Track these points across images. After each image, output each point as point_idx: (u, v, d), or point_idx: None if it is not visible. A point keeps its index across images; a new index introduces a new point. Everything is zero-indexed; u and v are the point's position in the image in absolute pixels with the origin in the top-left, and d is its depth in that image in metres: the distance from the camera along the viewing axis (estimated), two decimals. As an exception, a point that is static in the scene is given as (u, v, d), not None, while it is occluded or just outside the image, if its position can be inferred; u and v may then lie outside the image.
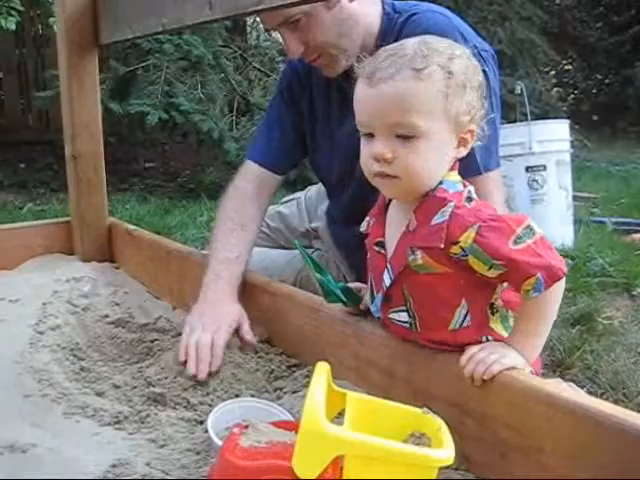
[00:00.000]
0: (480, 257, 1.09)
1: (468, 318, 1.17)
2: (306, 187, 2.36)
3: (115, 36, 2.18)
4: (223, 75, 5.40)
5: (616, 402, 1.72)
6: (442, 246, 1.11)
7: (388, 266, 1.21)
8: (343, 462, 0.91)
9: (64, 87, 2.32)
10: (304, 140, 1.91)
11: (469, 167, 1.59)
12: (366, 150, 1.18)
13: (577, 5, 11.80)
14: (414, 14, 1.64)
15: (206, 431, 1.17)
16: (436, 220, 1.13)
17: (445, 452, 0.90)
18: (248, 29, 7.33)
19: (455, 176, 1.20)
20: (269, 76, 5.81)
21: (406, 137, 1.12)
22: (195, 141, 5.18)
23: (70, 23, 2.23)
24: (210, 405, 1.31)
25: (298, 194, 2.33)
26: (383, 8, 1.70)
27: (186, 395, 1.36)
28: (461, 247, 1.10)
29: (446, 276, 1.15)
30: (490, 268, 1.10)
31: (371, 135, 1.17)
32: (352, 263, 2.05)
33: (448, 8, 1.76)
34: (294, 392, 1.37)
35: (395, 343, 1.29)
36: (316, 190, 2.22)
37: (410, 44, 1.17)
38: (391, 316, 1.24)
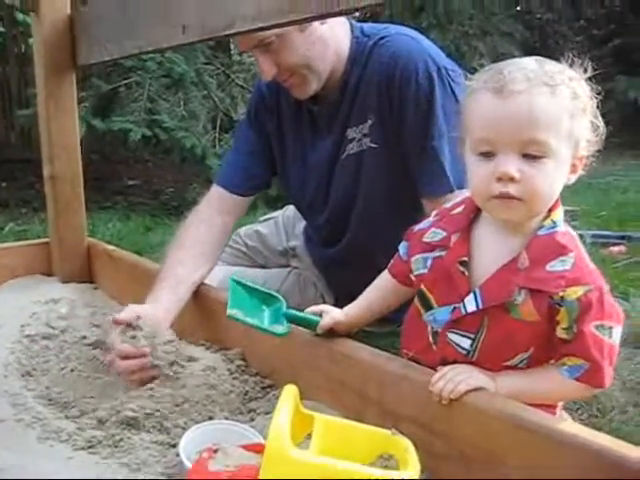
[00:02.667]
0: (570, 314, 1.09)
1: (525, 362, 1.16)
2: (285, 205, 2.38)
3: (92, 57, 2.18)
4: (206, 92, 5.42)
5: (590, 417, 1.74)
6: (561, 294, 1.08)
7: (477, 292, 1.15)
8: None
9: (42, 108, 2.32)
10: (272, 163, 1.93)
11: (442, 185, 1.62)
12: (485, 170, 1.10)
13: (558, 19, 11.93)
14: (383, 37, 1.67)
15: (178, 454, 1.18)
16: (555, 267, 1.10)
17: (408, 474, 0.91)
18: (232, 46, 7.36)
19: (561, 215, 1.15)
20: (252, 92, 5.82)
21: (534, 157, 1.06)
22: (178, 158, 5.17)
23: (47, 45, 2.24)
24: (183, 428, 1.31)
25: (276, 213, 2.35)
26: (352, 32, 1.73)
27: (160, 418, 1.36)
28: (562, 297, 1.08)
29: (532, 325, 1.12)
30: (566, 329, 1.10)
31: (490, 154, 1.09)
32: (330, 282, 2.07)
33: (426, 28, 1.79)
34: (267, 413, 1.37)
35: (367, 366, 1.30)
36: (294, 209, 2.24)
37: (531, 62, 1.11)
38: (451, 336, 1.19)
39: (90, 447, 1.29)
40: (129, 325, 1.55)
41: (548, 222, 1.13)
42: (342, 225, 1.85)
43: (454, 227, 1.22)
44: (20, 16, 4.90)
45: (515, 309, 1.12)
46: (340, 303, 1.92)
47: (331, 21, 1.67)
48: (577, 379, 1.11)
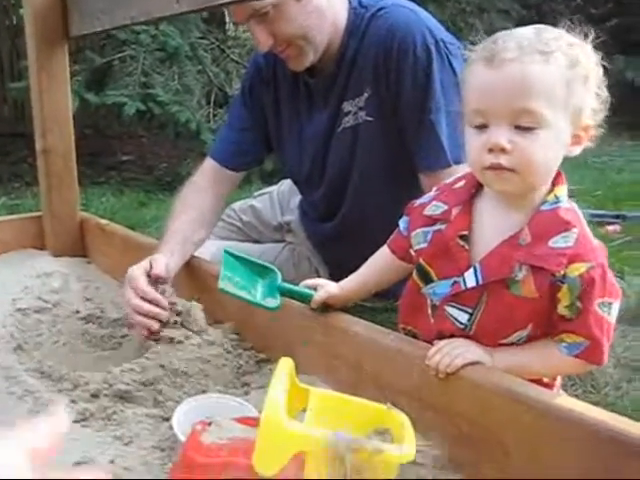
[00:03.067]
0: (572, 291, 1.07)
1: (523, 340, 1.15)
2: (281, 180, 2.36)
3: (84, 29, 2.15)
4: (200, 67, 5.36)
5: (584, 393, 1.74)
6: (563, 272, 1.06)
7: (477, 267, 1.13)
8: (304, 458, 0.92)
9: (34, 81, 2.28)
10: (267, 138, 1.93)
11: (439, 159, 1.60)
12: (478, 141, 1.08)
13: (555, -3, 11.85)
14: (380, 9, 1.65)
15: (171, 428, 1.17)
16: (557, 243, 1.07)
17: (404, 448, 0.90)
18: (227, 19, 7.29)
19: (565, 191, 1.13)
20: (247, 68, 5.78)
21: (527, 128, 1.04)
22: (172, 133, 5.12)
23: (38, 16, 2.20)
24: (177, 401, 1.30)
25: (271, 188, 2.33)
26: (350, 3, 1.70)
27: (153, 391, 1.35)
28: (564, 274, 1.07)
29: (532, 302, 1.10)
30: (568, 306, 1.08)
31: (484, 126, 1.07)
32: (325, 257, 2.06)
33: (423, 2, 1.76)
34: (261, 387, 1.36)
35: (361, 338, 1.30)
36: (289, 184, 2.22)
37: (529, 31, 1.08)
38: (449, 310, 1.18)
39: (83, 420, 1.28)
40: (158, 279, 1.56)
41: (551, 197, 1.11)
42: (338, 199, 1.83)
43: (455, 200, 1.19)
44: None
45: (515, 285, 1.10)
46: (334, 278, 1.92)
47: (328, -9, 1.64)
48: (576, 356, 1.10)
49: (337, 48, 1.70)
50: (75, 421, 1.28)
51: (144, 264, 1.60)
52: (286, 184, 2.26)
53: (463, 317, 1.17)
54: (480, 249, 1.14)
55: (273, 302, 1.40)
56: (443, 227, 1.19)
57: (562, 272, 1.07)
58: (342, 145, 1.75)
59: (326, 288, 1.38)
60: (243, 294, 1.39)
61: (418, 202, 1.28)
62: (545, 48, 1.04)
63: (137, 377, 1.39)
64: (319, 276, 1.96)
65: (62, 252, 2.34)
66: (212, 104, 5.30)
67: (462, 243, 1.16)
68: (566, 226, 1.08)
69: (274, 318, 1.45)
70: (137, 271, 1.57)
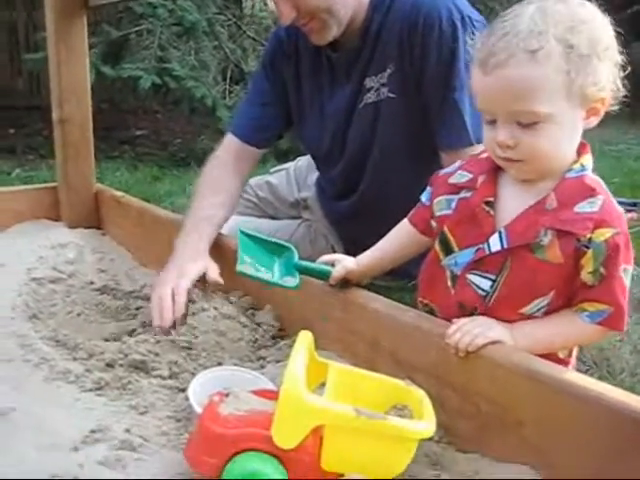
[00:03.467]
0: (597, 256, 1.07)
1: (543, 310, 1.14)
2: (297, 158, 2.34)
3: (104, -2, 2.13)
4: (217, 43, 5.34)
5: (600, 379, 1.72)
6: (588, 236, 1.07)
7: (502, 232, 1.13)
8: (323, 432, 0.91)
9: (52, 51, 2.27)
10: (287, 113, 1.90)
11: (461, 137, 1.58)
12: (489, 137, 1.12)
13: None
14: None
15: (187, 399, 1.16)
16: (583, 208, 1.08)
17: (425, 424, 0.90)
18: (243, -3, 7.23)
19: (590, 160, 1.14)
20: (263, 45, 5.74)
21: (529, 124, 1.07)
22: (187, 109, 5.11)
23: (58, -16, 2.19)
24: (192, 373, 1.30)
25: (288, 164, 2.31)
26: None
27: (169, 362, 1.35)
28: (590, 238, 1.07)
29: (556, 267, 1.10)
30: (592, 272, 1.08)
31: (493, 121, 1.11)
32: (342, 234, 2.05)
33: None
34: (277, 361, 1.36)
35: (380, 314, 1.29)
36: (306, 160, 2.20)
37: (525, 17, 1.07)
38: (471, 277, 1.18)
39: (98, 389, 1.28)
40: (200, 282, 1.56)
41: (577, 166, 1.12)
42: (357, 176, 1.81)
43: (480, 169, 1.20)
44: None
45: (540, 250, 1.10)
46: (351, 255, 1.92)
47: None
48: (599, 323, 1.11)
49: (361, 22, 1.67)
50: (90, 390, 1.28)
51: (198, 268, 1.58)
52: (303, 160, 2.24)
53: (486, 284, 1.16)
54: (505, 215, 1.15)
55: (292, 281, 1.39)
56: (469, 194, 1.20)
57: (588, 237, 1.07)
58: (363, 121, 1.73)
59: (343, 263, 1.38)
60: (261, 275, 1.38)
61: (443, 172, 1.28)
62: (534, 45, 1.04)
63: (152, 348, 1.39)
64: (333, 249, 1.94)
65: (77, 223, 2.34)
66: (228, 80, 5.28)
67: (488, 209, 1.17)
68: (592, 192, 1.09)
69: (292, 293, 1.44)
70: (191, 272, 1.56)
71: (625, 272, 1.09)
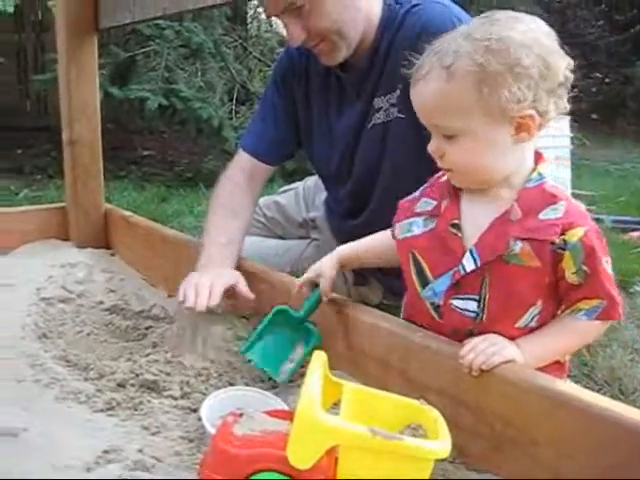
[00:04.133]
0: (575, 257, 1.09)
1: (536, 319, 1.15)
2: (304, 178, 2.34)
3: (115, 20, 2.16)
4: (223, 64, 5.38)
5: (612, 398, 1.71)
6: (557, 240, 1.09)
7: (472, 250, 1.15)
8: (338, 452, 0.90)
9: (62, 71, 2.30)
10: (298, 131, 1.90)
11: None
12: (428, 147, 1.19)
13: (579, 3, 11.76)
14: (415, 5, 1.63)
15: (199, 419, 1.16)
16: (547, 215, 1.11)
17: (441, 444, 0.89)
18: (249, 19, 7.30)
19: (548, 169, 1.18)
20: (269, 66, 5.78)
21: (450, 136, 1.12)
22: (194, 129, 5.14)
23: (69, 7, 2.22)
24: (204, 393, 1.29)
25: (296, 184, 2.31)
26: None
27: (180, 382, 1.34)
28: (565, 240, 1.09)
29: (534, 271, 1.11)
30: (575, 272, 1.10)
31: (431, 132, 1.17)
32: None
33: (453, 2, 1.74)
34: (289, 381, 1.36)
35: (389, 333, 1.28)
36: (314, 180, 2.21)
37: (449, 37, 1.14)
38: (454, 303, 1.18)
39: (109, 409, 1.28)
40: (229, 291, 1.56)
41: (535, 175, 1.16)
42: (365, 197, 1.81)
43: (442, 194, 1.24)
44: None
45: (514, 258, 1.12)
46: (358, 275, 1.92)
47: (364, -14, 1.63)
48: (597, 318, 1.13)
49: (370, 43, 1.68)
50: (101, 410, 1.28)
51: (233, 276, 1.60)
52: (311, 180, 2.24)
53: (472, 305, 1.17)
54: (473, 234, 1.17)
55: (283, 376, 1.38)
56: (435, 221, 1.22)
57: (561, 239, 1.09)
58: (372, 141, 1.73)
59: (326, 276, 1.38)
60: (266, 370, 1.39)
61: (408, 198, 1.32)
62: (448, 61, 1.09)
63: (164, 368, 1.39)
64: (344, 274, 1.94)
65: (86, 243, 2.35)
66: (234, 101, 5.31)
67: (454, 231, 1.19)
68: (553, 199, 1.13)
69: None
70: (226, 276, 1.57)
71: (607, 263, 1.12)
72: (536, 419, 1.03)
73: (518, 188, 1.15)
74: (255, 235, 2.17)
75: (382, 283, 1.94)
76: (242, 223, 1.78)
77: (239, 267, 1.68)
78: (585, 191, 4.84)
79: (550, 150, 3.68)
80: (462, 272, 1.16)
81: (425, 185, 1.30)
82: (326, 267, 1.39)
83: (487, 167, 1.14)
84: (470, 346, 1.12)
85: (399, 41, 1.64)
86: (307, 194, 2.22)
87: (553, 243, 1.09)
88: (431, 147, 1.16)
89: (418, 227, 1.24)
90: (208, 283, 1.51)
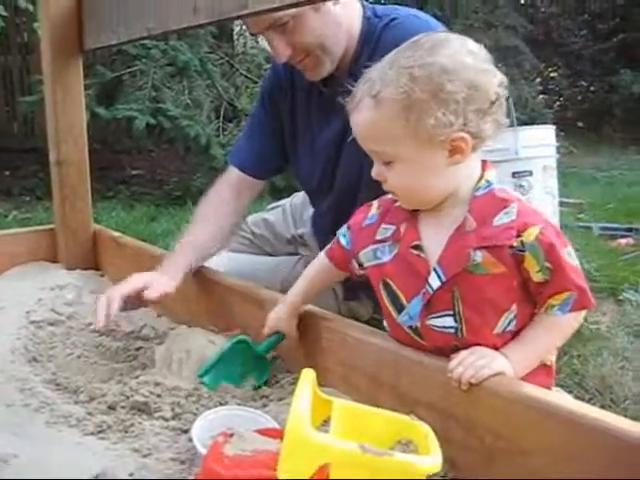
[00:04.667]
0: (536, 256, 1.11)
1: (514, 323, 1.16)
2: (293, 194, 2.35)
3: (100, 42, 2.16)
4: (210, 81, 5.40)
5: (603, 407, 1.72)
6: (515, 243, 1.11)
7: (436, 268, 1.17)
8: (329, 470, 0.90)
9: (48, 93, 2.30)
10: (284, 145, 1.92)
11: None
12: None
13: (562, 13, 11.88)
14: (394, 19, 1.65)
15: (190, 440, 1.15)
16: (501, 220, 1.13)
17: (431, 459, 0.89)
18: (235, 36, 7.33)
19: (494, 175, 1.19)
20: (256, 83, 5.80)
21: (387, 162, 1.16)
22: (182, 148, 5.15)
23: (54, 29, 2.21)
24: (195, 414, 1.29)
25: (284, 201, 2.31)
26: (364, 12, 1.70)
27: (171, 404, 1.34)
28: (522, 241, 1.11)
29: (501, 277, 1.13)
30: (539, 271, 1.12)
31: None
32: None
33: (434, 16, 1.76)
34: (280, 400, 1.35)
35: (379, 348, 1.28)
36: (302, 196, 2.21)
37: (379, 64, 1.17)
38: (431, 322, 1.19)
39: (100, 432, 1.27)
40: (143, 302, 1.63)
41: (482, 183, 1.18)
42: (347, 210, 1.81)
43: (400, 219, 1.25)
44: (23, 4, 4.87)
45: (478, 267, 1.13)
46: (348, 290, 1.91)
47: (343, 1, 1.64)
48: (571, 310, 1.14)
49: (351, 57, 1.70)
50: (92, 433, 1.27)
51: (146, 280, 1.65)
52: (299, 196, 2.24)
53: (449, 321, 1.17)
54: (435, 252, 1.18)
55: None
56: (397, 246, 1.24)
57: (518, 241, 1.11)
58: (352, 156, 1.74)
59: (286, 331, 1.43)
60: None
61: (364, 223, 1.33)
62: (377, 89, 1.11)
63: (154, 389, 1.38)
64: (334, 288, 1.94)
65: (75, 265, 2.34)
66: (221, 118, 5.32)
67: (417, 252, 1.21)
68: (504, 203, 1.14)
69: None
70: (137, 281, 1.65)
71: (569, 254, 1.13)
72: (526, 431, 1.03)
73: (467, 199, 1.17)
74: (244, 253, 2.17)
75: (372, 299, 1.94)
76: (215, 230, 1.82)
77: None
78: (573, 199, 4.88)
79: (537, 160, 3.70)
80: (430, 291, 1.17)
81: (377, 209, 1.32)
82: (283, 323, 1.43)
83: (427, 189, 1.17)
84: (458, 360, 1.12)
85: (377, 55, 1.65)
86: (295, 210, 2.22)
87: (512, 247, 1.11)
88: (373, 173, 1.20)
89: (384, 254, 1.26)
90: (106, 297, 1.61)
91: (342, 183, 1.81)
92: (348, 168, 1.77)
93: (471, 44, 1.15)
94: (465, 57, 1.11)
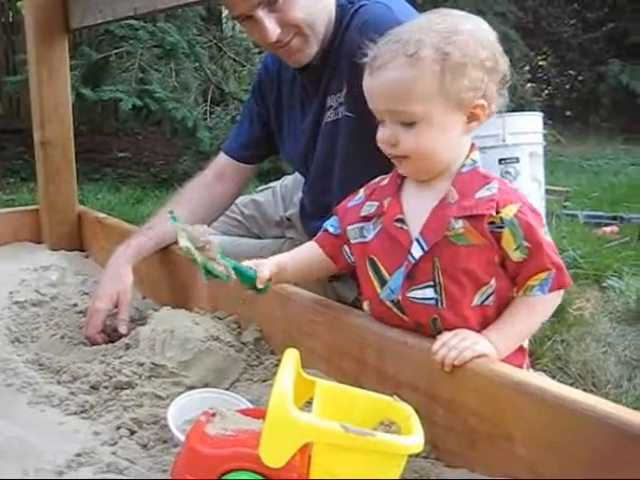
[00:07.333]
0: (514, 233, 1.13)
1: (491, 299, 1.18)
2: (279, 178, 2.34)
3: (85, 21, 2.14)
4: (198, 64, 5.35)
5: (585, 391, 1.73)
6: (494, 213, 1.13)
7: (419, 239, 1.19)
8: (311, 450, 0.90)
9: (33, 72, 2.27)
10: (272, 134, 1.96)
11: None
12: (378, 136, 1.22)
13: (551, 1, 11.87)
14: (363, 5, 1.64)
15: (166, 422, 1.15)
16: (482, 194, 1.16)
17: (414, 439, 0.89)
18: (224, 19, 7.27)
19: (478, 155, 1.23)
20: (244, 66, 5.77)
21: (408, 123, 1.16)
22: (169, 130, 5.12)
23: (38, 7, 2.19)
24: (178, 394, 1.29)
25: (274, 183, 2.31)
26: None
27: (153, 384, 1.33)
28: (501, 218, 1.13)
29: (482, 248, 1.15)
30: (517, 249, 1.14)
31: (383, 121, 1.20)
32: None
33: (421, 4, 1.74)
34: (264, 381, 1.36)
35: (365, 331, 1.28)
36: (292, 179, 2.21)
37: (407, 27, 1.19)
38: (412, 294, 1.20)
39: (82, 412, 1.27)
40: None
41: (468, 161, 1.21)
42: (324, 196, 1.81)
43: (384, 195, 1.28)
44: (7, -16, 4.80)
45: (459, 237, 1.16)
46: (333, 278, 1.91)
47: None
48: (550, 290, 1.15)
49: (327, 42, 1.69)
50: (74, 413, 1.27)
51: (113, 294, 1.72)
52: (289, 179, 2.24)
53: (429, 292, 1.19)
54: (417, 224, 1.21)
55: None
56: (380, 220, 1.26)
57: (497, 217, 1.14)
58: (325, 140, 1.74)
59: (263, 264, 1.31)
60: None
61: (350, 204, 1.34)
62: (411, 50, 1.13)
63: (137, 369, 1.38)
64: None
65: (59, 245, 2.33)
66: (209, 101, 5.29)
67: (399, 225, 1.23)
68: (486, 180, 1.19)
69: (277, 309, 1.44)
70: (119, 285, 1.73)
71: (546, 234, 1.16)
72: (509, 413, 1.04)
73: (452, 175, 1.21)
74: (232, 234, 2.17)
75: (356, 279, 1.94)
76: (187, 207, 1.85)
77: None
78: (559, 187, 4.89)
79: (524, 147, 3.70)
80: (412, 261, 1.19)
81: (364, 191, 1.33)
82: (264, 264, 1.31)
83: (440, 154, 1.19)
84: (441, 342, 1.12)
85: (346, 41, 1.65)
86: (284, 192, 2.22)
87: (492, 223, 1.13)
88: (383, 135, 1.20)
89: (369, 232, 1.27)
90: (93, 309, 1.68)
91: (317, 168, 1.81)
92: (322, 152, 1.77)
93: (486, 25, 1.21)
94: (488, 33, 1.19)
